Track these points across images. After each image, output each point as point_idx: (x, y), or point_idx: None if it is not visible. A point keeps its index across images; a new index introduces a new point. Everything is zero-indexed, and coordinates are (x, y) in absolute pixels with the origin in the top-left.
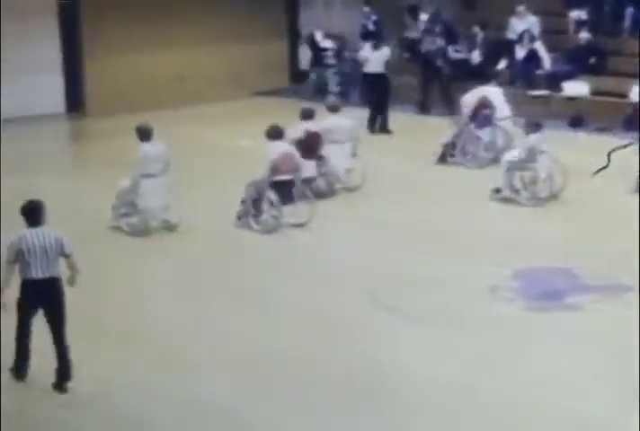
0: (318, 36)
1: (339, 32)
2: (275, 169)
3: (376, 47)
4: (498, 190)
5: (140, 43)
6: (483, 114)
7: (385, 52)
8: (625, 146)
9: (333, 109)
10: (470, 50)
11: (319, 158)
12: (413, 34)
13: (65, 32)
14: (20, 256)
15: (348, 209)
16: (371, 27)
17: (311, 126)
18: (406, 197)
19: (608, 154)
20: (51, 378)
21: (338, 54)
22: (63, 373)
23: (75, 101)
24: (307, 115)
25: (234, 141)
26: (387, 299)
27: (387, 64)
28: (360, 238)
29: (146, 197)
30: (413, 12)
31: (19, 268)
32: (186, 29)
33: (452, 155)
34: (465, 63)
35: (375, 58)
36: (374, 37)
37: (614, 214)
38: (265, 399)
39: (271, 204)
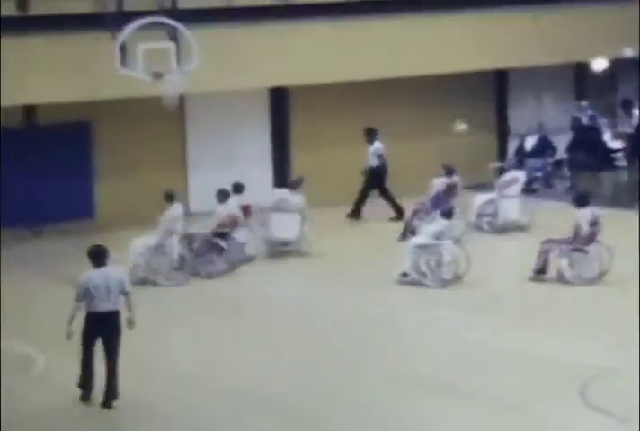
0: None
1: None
2: (221, 225)
3: (370, 142)
4: (405, 274)
5: (346, 136)
6: (441, 197)
7: (376, 146)
8: None
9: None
10: None
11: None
12: (626, 129)
13: (275, 126)
14: (87, 293)
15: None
16: (586, 121)
17: (242, 199)
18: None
19: None
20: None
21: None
22: (110, 393)
23: None
24: (237, 189)
25: None
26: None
27: (380, 157)
28: None
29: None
30: (627, 106)
31: (85, 302)
32: (394, 122)
33: (412, 233)
34: None
35: (368, 153)
36: (589, 131)
37: None
38: None
39: (220, 250)
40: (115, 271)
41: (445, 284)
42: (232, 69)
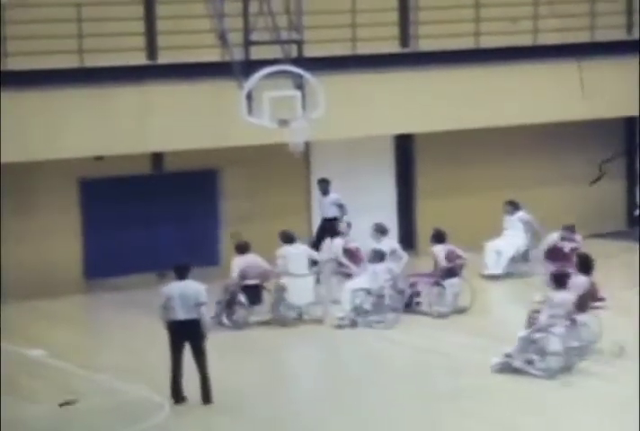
0: None
1: None
2: (243, 276)
3: (325, 193)
4: (342, 318)
5: (475, 184)
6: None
7: (335, 196)
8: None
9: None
10: None
11: None
12: None
13: (400, 174)
14: (167, 302)
15: None
16: None
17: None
18: None
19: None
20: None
21: None
22: (205, 394)
23: (407, 238)
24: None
25: None
26: None
27: (341, 207)
28: None
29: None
30: None
31: (168, 311)
32: (520, 170)
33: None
34: None
35: (324, 204)
36: None
37: None
38: None
39: (242, 304)
40: (193, 284)
41: (387, 325)
42: (357, 116)
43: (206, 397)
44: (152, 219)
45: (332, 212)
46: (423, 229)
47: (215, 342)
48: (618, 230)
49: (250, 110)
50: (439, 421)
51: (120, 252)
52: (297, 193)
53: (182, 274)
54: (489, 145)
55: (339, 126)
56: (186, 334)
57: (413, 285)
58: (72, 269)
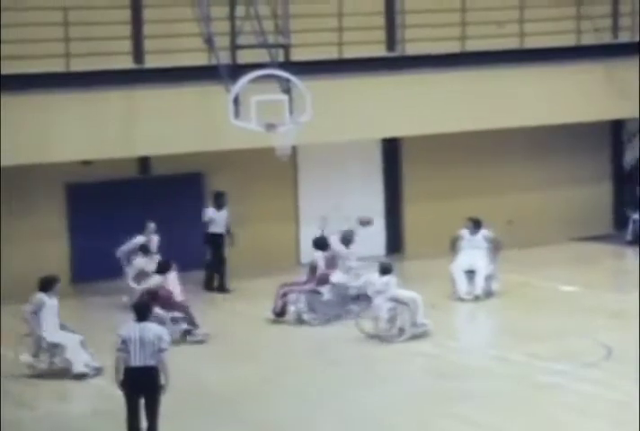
0: None
1: None
2: None
3: (219, 207)
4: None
5: (461, 188)
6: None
7: (225, 213)
8: None
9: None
10: None
11: None
12: None
13: (387, 178)
14: (124, 345)
15: None
16: None
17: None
18: None
19: None
20: None
21: None
22: None
23: (394, 243)
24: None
25: (555, 286)
26: None
27: (228, 224)
28: None
29: None
30: None
31: (124, 356)
32: (508, 175)
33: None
34: None
35: (218, 219)
36: None
37: None
38: None
39: None
40: (154, 327)
41: None
42: (344, 121)
43: None
44: (139, 223)
45: (222, 227)
46: (411, 233)
47: None
48: (605, 233)
49: (237, 114)
50: (431, 424)
51: (107, 256)
52: (284, 197)
53: (140, 315)
54: (476, 148)
55: (326, 130)
56: (141, 383)
57: (283, 294)
58: (59, 273)
